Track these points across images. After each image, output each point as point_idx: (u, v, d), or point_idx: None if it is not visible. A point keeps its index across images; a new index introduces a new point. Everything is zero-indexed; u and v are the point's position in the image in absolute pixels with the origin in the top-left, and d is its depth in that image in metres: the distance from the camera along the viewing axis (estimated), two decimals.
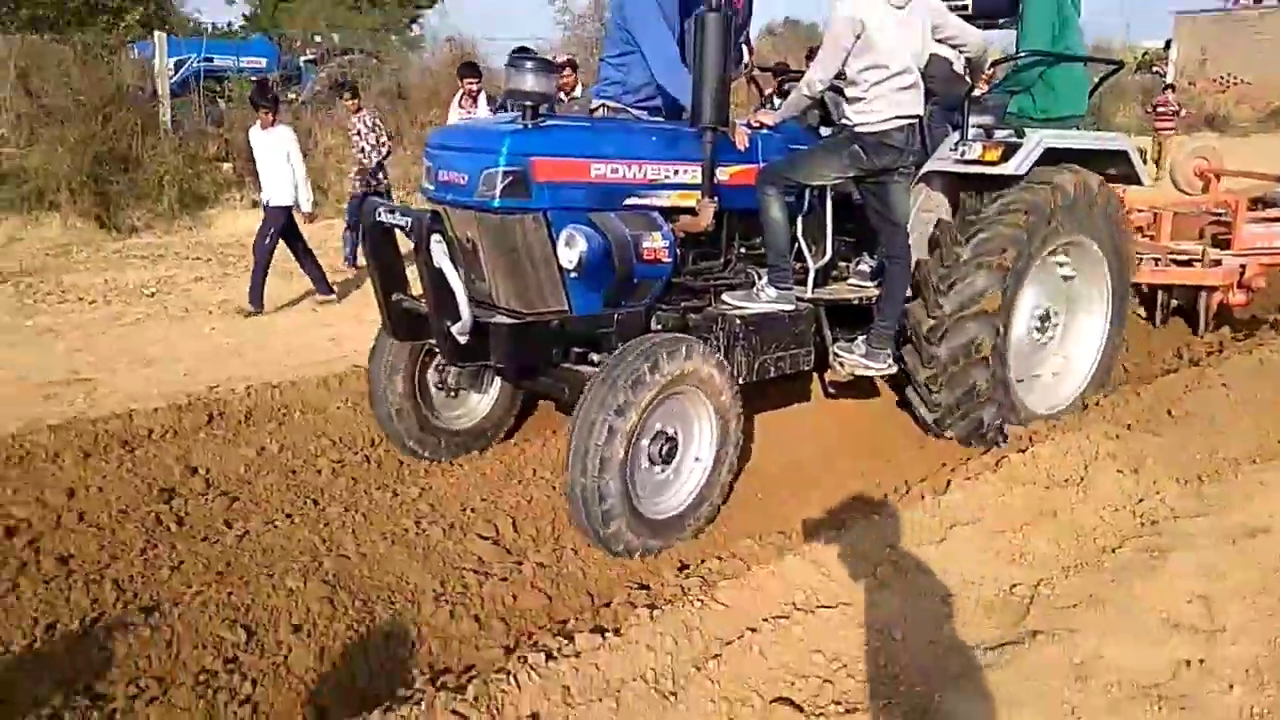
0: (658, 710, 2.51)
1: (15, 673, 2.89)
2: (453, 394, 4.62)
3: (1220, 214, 7.08)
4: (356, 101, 8.94)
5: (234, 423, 4.95)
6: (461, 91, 8.33)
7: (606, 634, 2.71)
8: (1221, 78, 23.88)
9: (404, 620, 3.24)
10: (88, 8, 13.99)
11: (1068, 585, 3.19)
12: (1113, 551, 3.41)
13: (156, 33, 12.70)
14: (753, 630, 2.81)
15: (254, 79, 11.84)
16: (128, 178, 10.64)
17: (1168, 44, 26.10)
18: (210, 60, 13.22)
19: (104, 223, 10.32)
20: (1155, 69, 24.98)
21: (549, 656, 2.59)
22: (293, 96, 13.22)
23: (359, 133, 8.52)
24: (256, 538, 3.75)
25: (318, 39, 15.89)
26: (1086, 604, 3.03)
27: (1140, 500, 3.77)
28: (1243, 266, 6.42)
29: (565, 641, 2.68)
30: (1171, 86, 16.50)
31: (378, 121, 8.82)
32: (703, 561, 3.39)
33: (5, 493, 4.09)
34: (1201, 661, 2.70)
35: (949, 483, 3.88)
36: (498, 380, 4.68)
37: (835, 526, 3.58)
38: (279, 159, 7.19)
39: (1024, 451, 4.09)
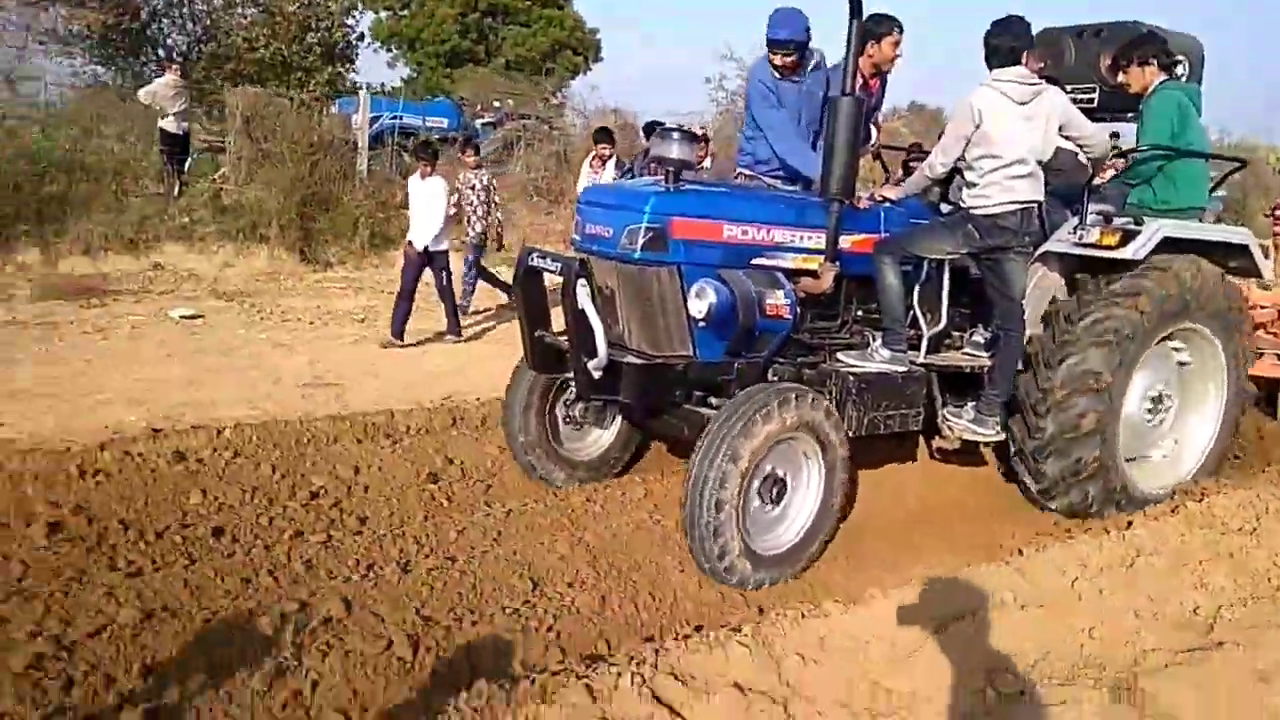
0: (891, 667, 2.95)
1: (364, 610, 3.49)
2: (578, 427, 5.03)
3: None
4: (477, 158, 9.09)
5: (474, 425, 5.69)
6: (593, 154, 8.91)
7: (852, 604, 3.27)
8: None
9: (661, 584, 3.93)
10: (283, 66, 15.69)
11: (1246, 612, 3.55)
12: None
13: (361, 91, 14.08)
14: (970, 615, 3.25)
15: (430, 137, 13.13)
16: (328, 217, 11.82)
17: None
18: (400, 118, 14.80)
19: (305, 256, 11.51)
20: None
21: (801, 616, 3.14)
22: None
23: (473, 187, 8.79)
24: (518, 516, 4.43)
25: (496, 104, 17.44)
26: (1265, 626, 3.37)
27: None
28: None
29: (812, 607, 3.23)
30: None
31: (493, 184, 8.98)
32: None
33: (305, 464, 4.92)
34: None
35: (1130, 522, 4.24)
36: (619, 419, 5.06)
37: (1009, 551, 4.01)
38: (430, 205, 7.83)
39: (1200, 501, 4.37)
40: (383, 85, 19.85)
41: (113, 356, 6.88)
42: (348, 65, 17.53)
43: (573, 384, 4.50)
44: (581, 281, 4.03)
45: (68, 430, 5.01)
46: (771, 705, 2.73)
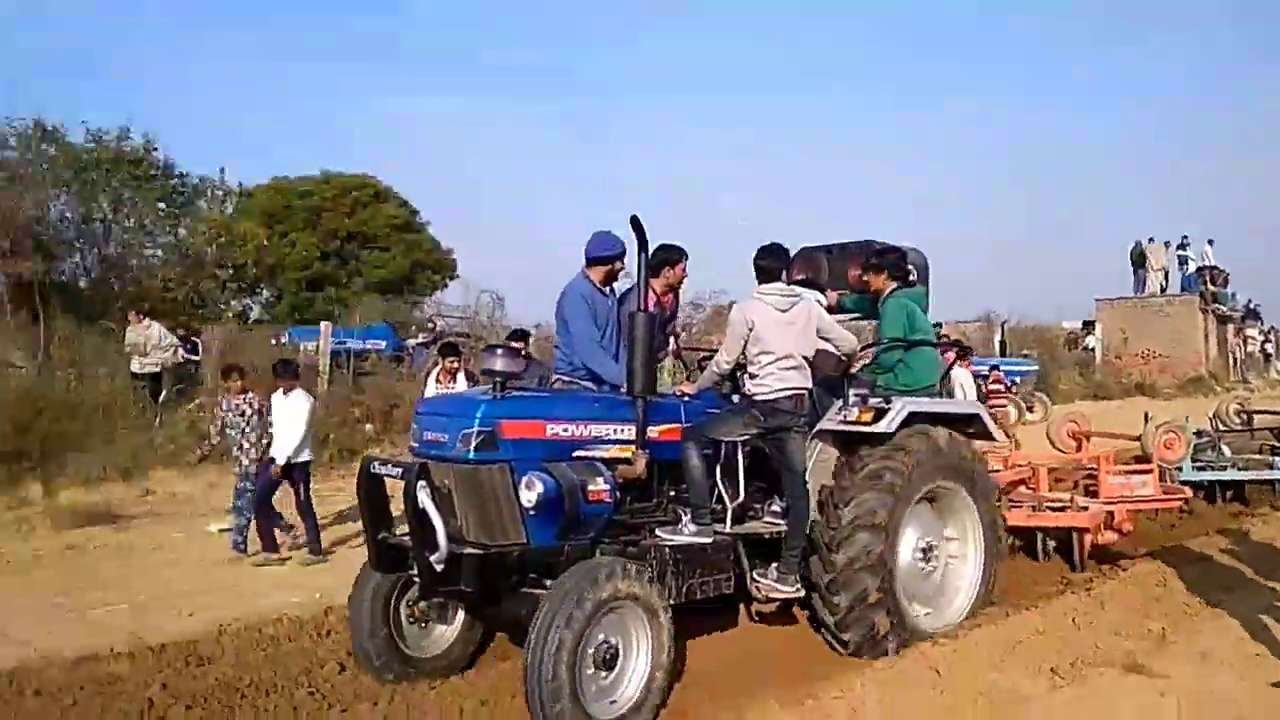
0: None
1: None
2: (423, 625, 5.29)
3: (1092, 469, 8.30)
4: (243, 382, 8.44)
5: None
6: (440, 368, 9.13)
7: None
8: (1143, 353, 27.35)
9: None
10: (199, 301, 17.08)
11: None
12: None
13: (324, 324, 15.59)
14: None
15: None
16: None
17: (1084, 324, 29.82)
18: (345, 343, 16.04)
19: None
20: (1085, 345, 28.42)
21: None
22: (402, 370, 15.58)
23: (243, 414, 8.21)
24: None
25: (430, 324, 19.00)
26: None
27: None
28: (1110, 513, 7.52)
29: None
30: (996, 367, 17.34)
31: (263, 406, 8.31)
32: None
33: None
34: None
35: None
36: (460, 614, 5.37)
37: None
38: (295, 420, 8.01)
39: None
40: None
41: (192, 564, 7.91)
42: (254, 296, 18.73)
43: (416, 582, 4.85)
44: (422, 483, 4.49)
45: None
46: None
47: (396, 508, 4.93)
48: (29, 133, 16.18)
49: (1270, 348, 33.42)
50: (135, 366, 13.03)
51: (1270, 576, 6.36)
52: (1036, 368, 21.76)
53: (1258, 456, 9.17)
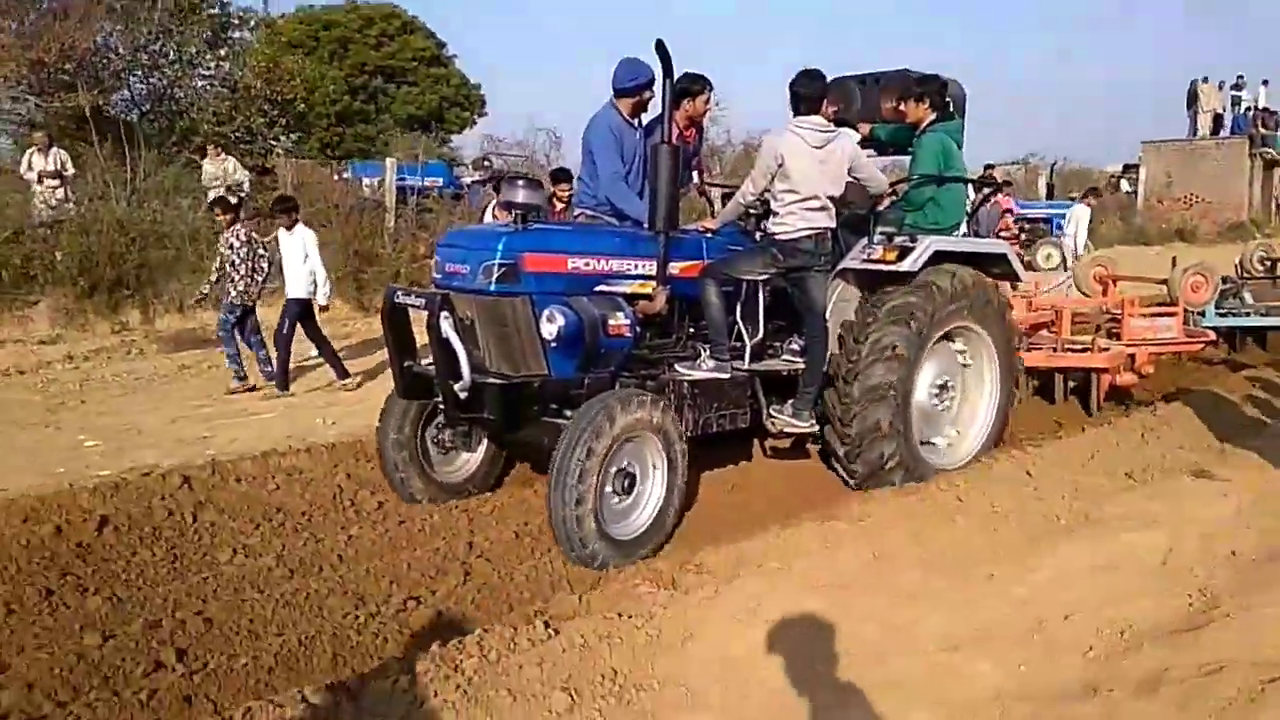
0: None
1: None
2: (446, 452, 5.50)
3: (1116, 312, 8.24)
4: (232, 214, 8.20)
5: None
6: (494, 203, 8.75)
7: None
8: (1186, 197, 26.61)
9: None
10: (249, 135, 17.07)
11: None
12: None
13: (389, 160, 15.70)
14: None
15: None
16: (373, 270, 12.76)
17: (1125, 168, 28.90)
18: (404, 179, 16.16)
19: (362, 305, 12.49)
20: (1128, 189, 27.75)
21: None
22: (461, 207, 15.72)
23: (231, 246, 8.00)
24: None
25: (486, 163, 18.86)
26: None
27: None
28: (1131, 355, 7.52)
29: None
30: (1009, 211, 16.94)
31: (254, 238, 8.17)
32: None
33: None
34: None
35: None
36: (484, 441, 5.56)
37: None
38: (299, 257, 8.04)
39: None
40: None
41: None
42: (305, 133, 18.88)
43: (441, 409, 5.00)
44: (445, 313, 4.55)
45: None
46: None
47: (420, 337, 5.02)
48: None
49: None
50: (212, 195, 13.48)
51: None
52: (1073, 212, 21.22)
53: (1278, 303, 9.09)
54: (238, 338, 8.17)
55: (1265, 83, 27.62)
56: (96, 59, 15.20)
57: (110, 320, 11.03)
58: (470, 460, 5.61)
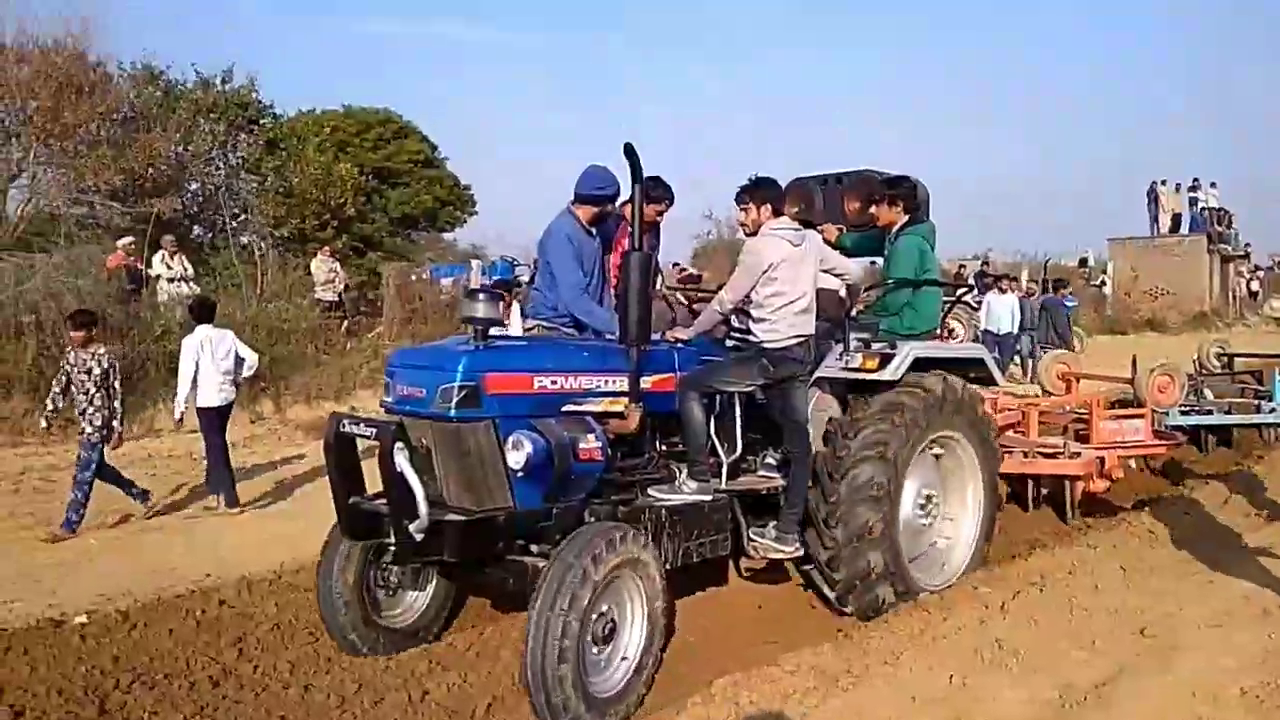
0: None
1: None
2: (393, 593, 4.91)
3: (1081, 412, 8.07)
4: (85, 333, 7.11)
5: None
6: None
7: None
8: (1152, 289, 28.38)
9: None
10: (301, 238, 18.42)
11: None
12: None
13: (475, 262, 18.20)
14: None
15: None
16: None
17: (1081, 261, 31.61)
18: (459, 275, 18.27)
19: None
20: (1099, 283, 29.40)
21: None
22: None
23: (89, 371, 7.02)
24: None
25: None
26: None
27: None
28: (1101, 459, 7.30)
29: None
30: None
31: (113, 363, 7.24)
32: None
33: None
34: None
35: None
36: (434, 580, 5.00)
37: None
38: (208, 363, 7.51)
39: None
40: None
41: None
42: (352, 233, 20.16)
43: (390, 549, 4.44)
44: (399, 444, 4.04)
45: None
46: None
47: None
48: (139, 75, 16.97)
49: (1256, 285, 34.35)
50: (328, 294, 15.22)
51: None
52: (1076, 304, 21.95)
53: (1241, 400, 9.02)
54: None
55: (1214, 184, 29.77)
56: (164, 167, 16.14)
57: (249, 411, 11.43)
58: (419, 600, 5.03)
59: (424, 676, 4.54)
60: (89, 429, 6.95)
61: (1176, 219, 29.15)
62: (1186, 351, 11.33)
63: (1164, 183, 29.31)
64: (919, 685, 3.92)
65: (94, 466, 6.96)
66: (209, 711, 4.30)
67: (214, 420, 7.58)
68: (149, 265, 13.22)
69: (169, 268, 13.22)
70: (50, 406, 7.17)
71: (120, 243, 13.19)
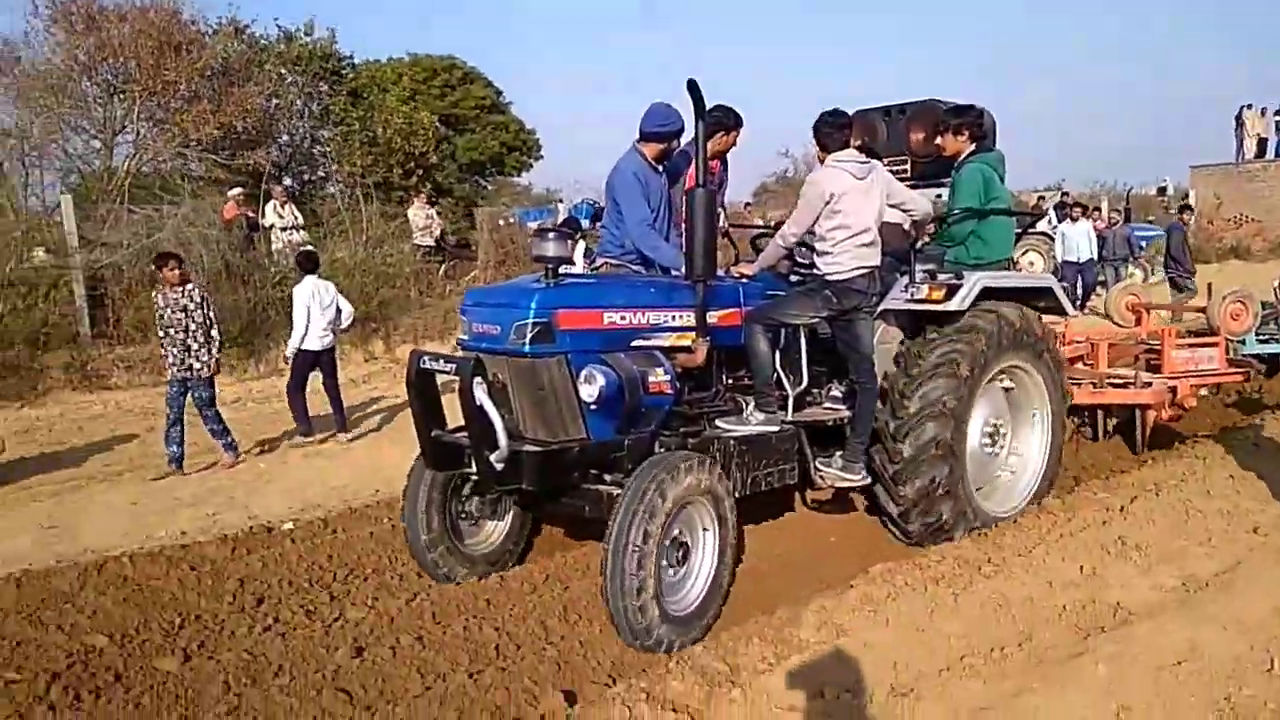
0: None
1: None
2: (474, 522, 5.15)
3: (1153, 343, 7.93)
4: (180, 271, 7.30)
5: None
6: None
7: None
8: (1236, 217, 27.54)
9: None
10: (386, 186, 18.46)
11: None
12: None
13: (561, 204, 18.03)
14: None
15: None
16: None
17: (1160, 190, 30.36)
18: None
19: None
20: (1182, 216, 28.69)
21: None
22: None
23: (185, 309, 7.18)
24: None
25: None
26: None
27: None
28: (1173, 388, 7.20)
29: None
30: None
31: (207, 299, 7.45)
32: None
33: None
34: None
35: None
36: (511, 509, 5.22)
37: None
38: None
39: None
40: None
41: None
42: (435, 181, 20.67)
43: (471, 479, 4.67)
44: (478, 379, 4.22)
45: None
46: None
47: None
48: (226, 31, 17.28)
49: None
50: (416, 240, 15.46)
51: None
52: (1161, 232, 21.41)
53: None
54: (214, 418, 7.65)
55: None
56: (259, 120, 16.77)
57: (363, 351, 12.32)
58: (498, 529, 5.27)
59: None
60: (197, 365, 7.22)
61: (1262, 144, 27.91)
62: (1270, 280, 10.96)
63: (1250, 107, 27.99)
64: (1054, 573, 4.39)
65: (214, 399, 7.50)
66: (421, 599, 4.70)
67: (310, 361, 8.08)
68: (263, 215, 13.71)
69: (280, 217, 13.65)
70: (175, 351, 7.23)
71: (231, 193, 13.69)
